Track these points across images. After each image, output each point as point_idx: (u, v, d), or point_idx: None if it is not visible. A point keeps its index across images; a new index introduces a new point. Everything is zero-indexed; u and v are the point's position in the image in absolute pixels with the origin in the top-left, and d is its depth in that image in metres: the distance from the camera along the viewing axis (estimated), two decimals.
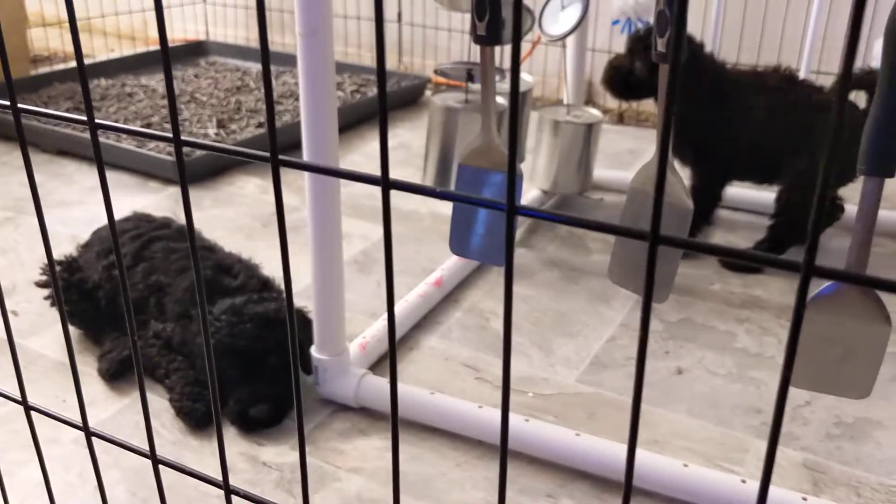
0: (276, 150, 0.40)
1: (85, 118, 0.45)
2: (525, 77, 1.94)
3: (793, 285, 1.66)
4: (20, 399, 0.61)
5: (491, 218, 1.11)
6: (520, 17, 0.54)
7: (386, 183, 0.38)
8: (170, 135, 0.43)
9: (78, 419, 0.61)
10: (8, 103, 0.47)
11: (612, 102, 2.69)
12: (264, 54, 0.38)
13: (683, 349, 1.44)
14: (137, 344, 1.36)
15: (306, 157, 1.16)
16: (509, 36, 1.55)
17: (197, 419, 1.23)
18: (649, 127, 2.62)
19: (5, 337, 1.52)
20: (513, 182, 0.36)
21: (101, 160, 0.46)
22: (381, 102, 0.37)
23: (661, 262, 1.04)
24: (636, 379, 0.39)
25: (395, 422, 0.45)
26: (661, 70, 0.95)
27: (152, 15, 3.33)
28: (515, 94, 0.35)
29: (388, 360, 1.39)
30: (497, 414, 1.21)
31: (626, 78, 1.79)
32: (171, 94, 0.42)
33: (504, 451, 0.42)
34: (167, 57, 0.42)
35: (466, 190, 1.12)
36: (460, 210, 1.12)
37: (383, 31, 0.38)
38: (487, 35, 1.00)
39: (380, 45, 0.37)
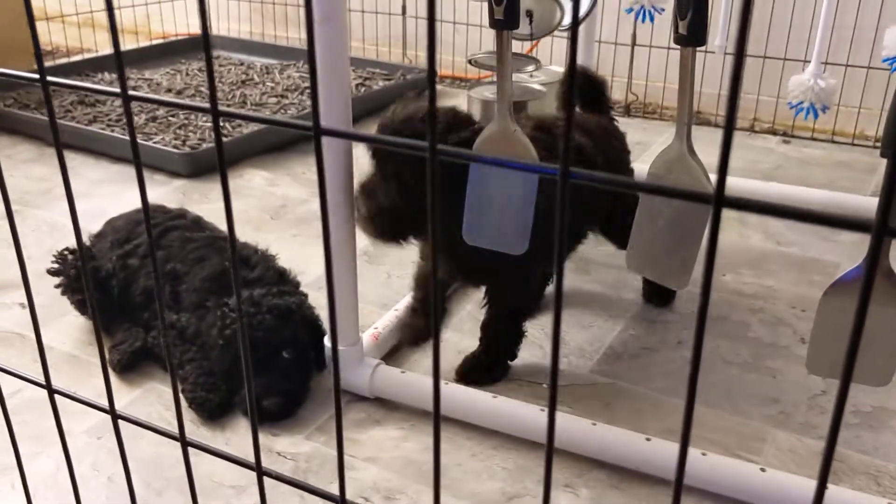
0: (319, 120, 0.39)
1: (118, 90, 0.44)
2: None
3: (804, 276, 1.65)
4: (44, 384, 0.60)
5: (505, 204, 1.10)
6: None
7: (433, 151, 0.37)
8: (206, 105, 0.42)
9: (101, 421, 0.60)
10: (38, 76, 0.46)
11: (618, 94, 2.68)
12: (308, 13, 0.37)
13: None
14: (151, 334, 1.35)
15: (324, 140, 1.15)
16: (542, 29, 1.53)
17: (210, 410, 1.22)
18: (656, 119, 2.61)
19: (17, 330, 1.50)
20: (567, 148, 0.35)
21: (133, 133, 0.45)
22: (429, 61, 0.36)
23: (682, 248, 1.04)
24: (692, 363, 0.38)
25: (436, 414, 0.44)
26: (682, 53, 0.94)
27: (154, 9, 3.32)
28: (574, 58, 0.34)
29: (401, 350, 1.39)
30: (511, 404, 1.20)
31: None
32: (209, 65, 0.41)
33: (550, 438, 0.42)
34: (206, 32, 0.41)
35: (482, 176, 1.11)
36: (474, 197, 1.11)
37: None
38: (505, 19, 0.99)
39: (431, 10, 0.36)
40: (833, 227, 0.30)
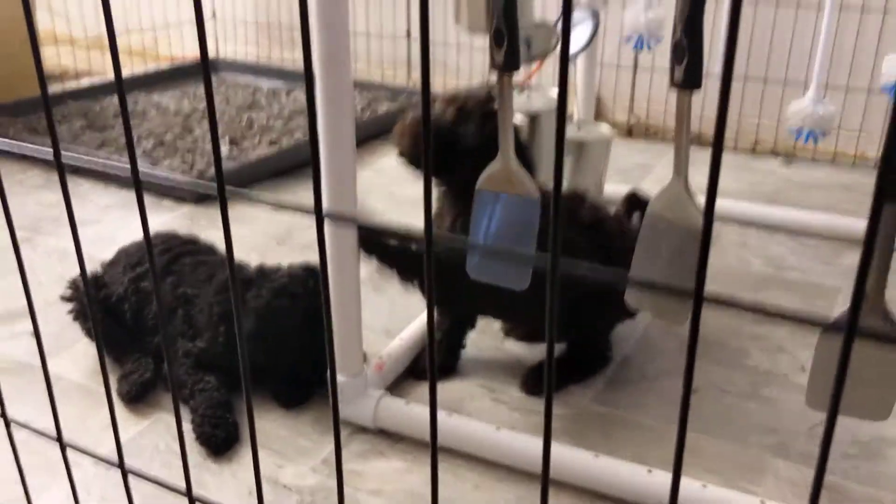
0: (321, 203, 0.41)
1: (128, 166, 0.46)
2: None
3: (805, 302, 1.66)
4: (56, 436, 0.62)
5: (510, 240, 1.12)
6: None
7: (429, 238, 0.39)
8: (213, 184, 0.44)
9: (110, 452, 0.62)
10: (52, 151, 0.49)
11: (621, 116, 2.70)
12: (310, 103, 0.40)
13: (696, 367, 1.45)
14: (165, 365, 1.38)
15: (325, 179, 1.17)
16: (531, 54, 1.56)
17: (216, 446, 1.24)
18: (658, 141, 2.63)
19: (27, 360, 1.52)
20: (557, 246, 0.37)
21: (138, 179, 0.47)
22: (425, 158, 0.38)
23: (681, 285, 1.05)
24: (681, 410, 0.40)
25: (434, 450, 0.46)
26: (679, 96, 0.96)
27: (163, 33, 3.36)
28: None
29: (405, 380, 1.41)
30: (514, 436, 1.22)
31: (448, 145, 1.27)
32: (214, 133, 0.43)
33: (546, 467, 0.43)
34: (210, 91, 0.43)
35: (484, 213, 1.13)
36: (478, 232, 1.13)
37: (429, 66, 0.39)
38: (506, 62, 1.01)
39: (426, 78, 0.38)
40: (802, 325, 0.32)
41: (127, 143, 0.46)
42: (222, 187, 0.42)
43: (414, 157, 1.30)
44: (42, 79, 0.54)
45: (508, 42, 1.01)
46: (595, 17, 1.81)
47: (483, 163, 1.09)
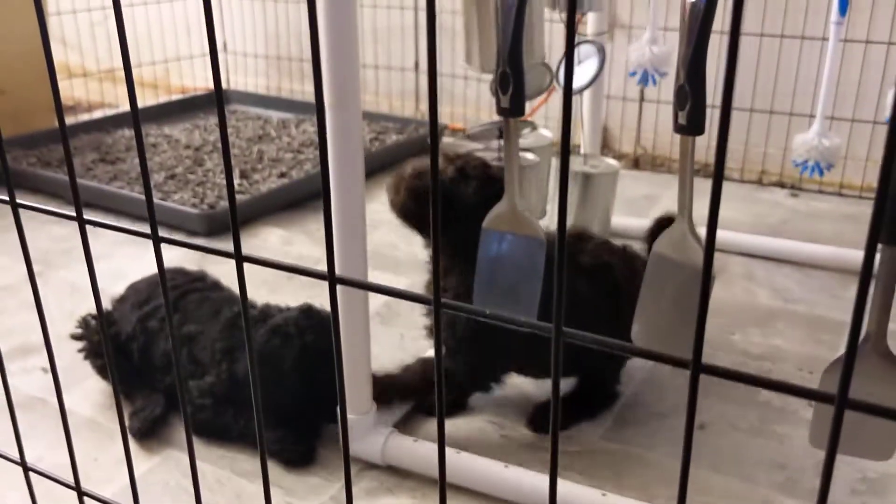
0: (334, 268, 0.42)
1: (149, 232, 0.47)
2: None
3: (812, 335, 1.67)
4: (74, 485, 0.63)
5: (515, 279, 1.13)
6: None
7: (437, 303, 0.41)
8: (229, 250, 0.46)
9: (122, 489, 0.63)
10: (75, 215, 0.50)
11: (628, 147, 2.72)
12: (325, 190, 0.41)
13: (705, 403, 1.45)
14: (187, 410, 1.40)
15: (336, 216, 1.18)
16: (532, 92, 1.59)
17: (296, 461, 1.31)
18: (665, 172, 2.65)
19: (39, 395, 1.53)
20: (560, 306, 0.38)
21: (163, 274, 0.49)
22: (433, 226, 0.39)
23: (687, 325, 1.06)
24: (685, 447, 0.41)
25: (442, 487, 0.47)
26: (682, 141, 0.98)
27: (175, 65, 3.40)
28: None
29: (414, 416, 1.41)
30: (523, 473, 1.22)
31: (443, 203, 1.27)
32: (232, 198, 0.45)
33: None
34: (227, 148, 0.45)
35: (489, 251, 1.15)
36: (484, 271, 1.15)
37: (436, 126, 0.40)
38: (511, 107, 1.03)
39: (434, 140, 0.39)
40: (799, 398, 0.33)
41: (145, 190, 0.47)
42: (239, 251, 0.44)
43: (407, 213, 1.31)
44: (62, 124, 0.56)
45: (514, 87, 1.03)
46: (601, 52, 1.83)
47: (477, 226, 1.11)
